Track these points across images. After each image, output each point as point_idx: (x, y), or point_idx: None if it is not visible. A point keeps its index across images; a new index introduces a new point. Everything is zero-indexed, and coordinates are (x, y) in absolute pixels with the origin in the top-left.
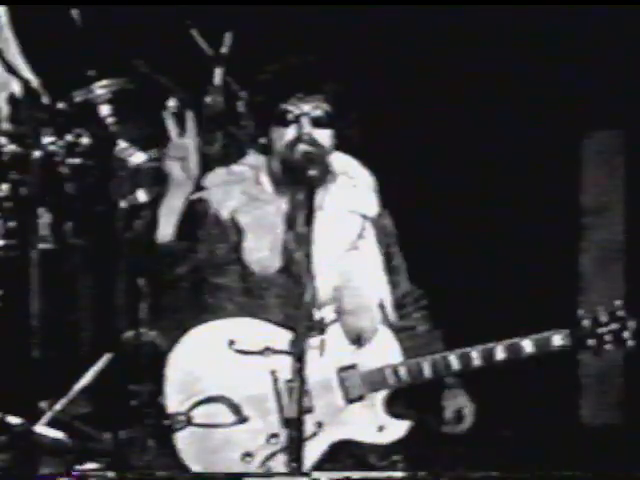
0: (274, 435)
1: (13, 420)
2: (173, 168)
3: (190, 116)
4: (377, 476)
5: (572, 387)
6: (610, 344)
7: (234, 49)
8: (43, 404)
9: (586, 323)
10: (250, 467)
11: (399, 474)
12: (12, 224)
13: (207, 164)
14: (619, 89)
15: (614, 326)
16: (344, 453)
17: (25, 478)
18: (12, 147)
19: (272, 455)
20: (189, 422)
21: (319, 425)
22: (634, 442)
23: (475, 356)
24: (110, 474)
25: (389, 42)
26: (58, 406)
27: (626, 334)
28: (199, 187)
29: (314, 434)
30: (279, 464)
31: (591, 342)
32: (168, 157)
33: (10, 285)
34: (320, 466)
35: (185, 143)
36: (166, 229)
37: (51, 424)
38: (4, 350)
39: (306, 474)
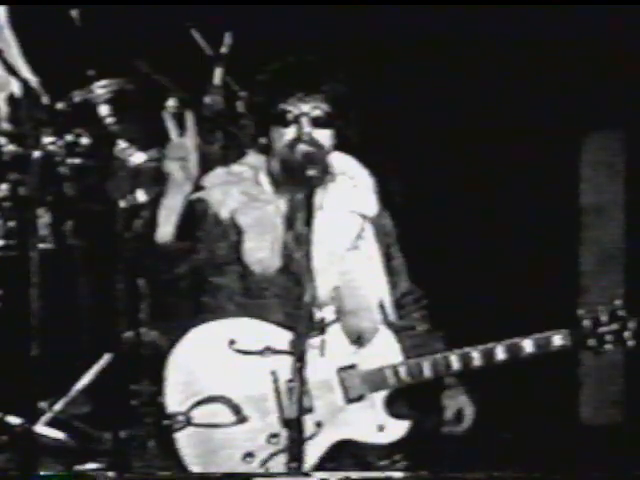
0: (274, 435)
1: (13, 420)
2: (172, 168)
3: (190, 116)
4: (377, 476)
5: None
6: (611, 344)
7: (234, 49)
8: (43, 404)
9: (587, 323)
10: (251, 467)
11: (399, 474)
12: (12, 224)
13: (207, 164)
14: (618, 89)
15: (615, 326)
16: (344, 453)
17: (25, 478)
18: (11, 147)
19: (272, 455)
20: (189, 422)
21: (319, 425)
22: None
23: (475, 356)
24: (110, 474)
25: (389, 42)
26: (58, 406)
27: (627, 334)
28: (198, 187)
29: (314, 434)
30: (279, 464)
31: (592, 342)
32: (167, 157)
33: (10, 285)
34: (320, 466)
35: (184, 143)
36: (166, 229)
37: (51, 424)
38: (4, 350)
39: (306, 474)
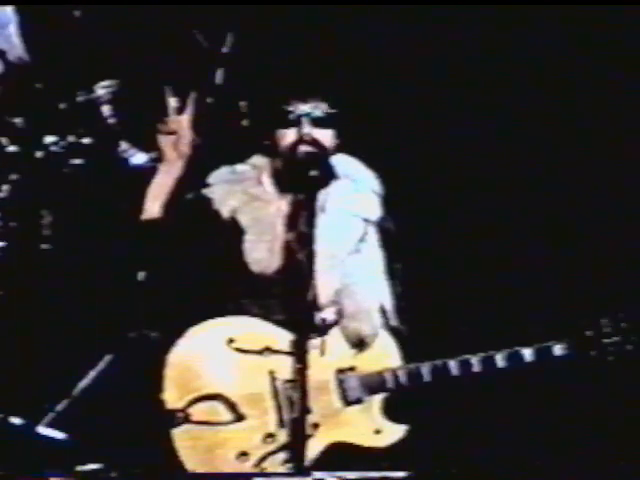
0: (270, 435)
1: (14, 420)
2: (164, 144)
3: (193, 96)
4: (376, 476)
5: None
6: (613, 356)
7: (234, 49)
8: (44, 404)
9: (589, 334)
10: (245, 466)
11: (399, 474)
12: (12, 224)
13: (209, 163)
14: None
15: (618, 338)
16: (340, 455)
17: (25, 478)
18: (13, 147)
19: (267, 455)
20: (186, 419)
21: (315, 426)
22: None
23: (475, 363)
24: (111, 474)
25: (391, 42)
26: (59, 406)
27: (629, 346)
28: (201, 183)
29: (310, 435)
30: (274, 464)
31: (594, 353)
32: (161, 130)
33: (10, 285)
34: (315, 468)
35: (181, 119)
36: (153, 207)
37: (51, 424)
38: (4, 350)
39: (303, 474)
